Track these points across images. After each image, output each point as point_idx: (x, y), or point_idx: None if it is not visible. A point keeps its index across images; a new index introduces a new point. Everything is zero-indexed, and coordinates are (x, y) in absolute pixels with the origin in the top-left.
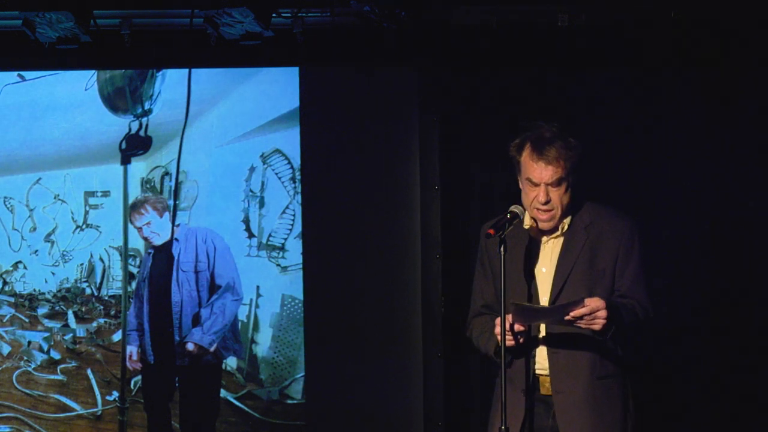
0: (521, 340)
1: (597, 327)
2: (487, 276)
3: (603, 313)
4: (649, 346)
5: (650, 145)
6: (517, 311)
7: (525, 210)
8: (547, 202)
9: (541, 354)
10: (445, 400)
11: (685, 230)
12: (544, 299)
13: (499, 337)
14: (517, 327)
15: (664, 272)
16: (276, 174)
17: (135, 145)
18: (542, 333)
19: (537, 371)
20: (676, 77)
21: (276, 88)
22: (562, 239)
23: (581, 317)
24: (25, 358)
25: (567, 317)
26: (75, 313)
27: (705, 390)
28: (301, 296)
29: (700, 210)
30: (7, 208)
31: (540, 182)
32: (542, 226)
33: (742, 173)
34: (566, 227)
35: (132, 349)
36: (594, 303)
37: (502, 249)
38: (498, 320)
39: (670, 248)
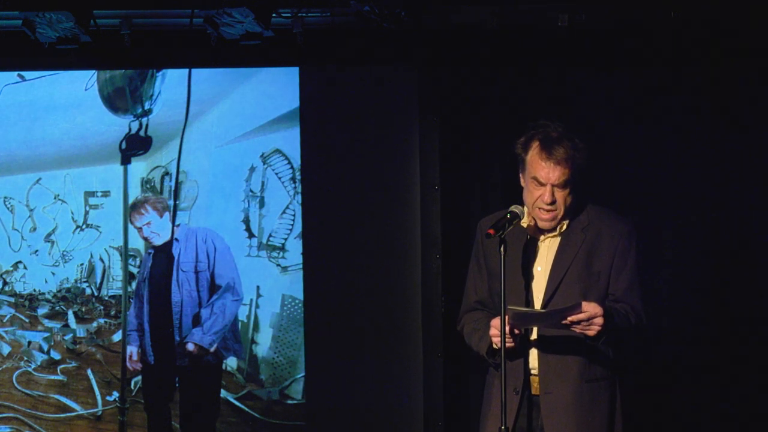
0: (516, 342)
1: (592, 333)
2: (482, 272)
3: (600, 320)
4: (641, 350)
5: (650, 144)
6: (514, 316)
7: (525, 209)
8: (552, 203)
9: (533, 354)
10: (445, 400)
11: (685, 230)
12: (538, 298)
13: (494, 339)
14: (515, 330)
15: (663, 273)
16: (276, 174)
17: (135, 145)
18: (534, 335)
19: (528, 371)
20: (676, 77)
21: (276, 88)
22: (558, 239)
23: (578, 322)
24: (25, 358)
25: (564, 321)
26: (75, 313)
27: (700, 393)
28: (301, 296)
29: (700, 210)
30: (7, 208)
31: (547, 182)
32: (542, 225)
33: (742, 173)
34: (564, 227)
35: (132, 350)
36: (592, 309)
37: (502, 249)
38: (493, 321)
39: (670, 248)
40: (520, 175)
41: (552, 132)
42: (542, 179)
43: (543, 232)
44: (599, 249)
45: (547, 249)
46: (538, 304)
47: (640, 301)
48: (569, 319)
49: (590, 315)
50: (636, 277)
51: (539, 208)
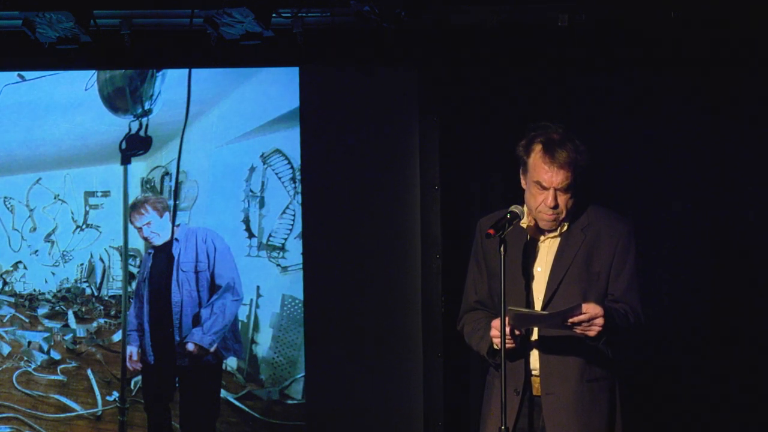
0: (517, 343)
1: (592, 333)
2: (482, 271)
3: (600, 321)
4: (641, 350)
5: (650, 145)
6: (515, 318)
7: (525, 210)
8: (555, 207)
9: (533, 355)
10: (445, 400)
11: (685, 230)
12: (538, 298)
13: (494, 339)
14: (515, 331)
15: (663, 273)
16: (276, 174)
17: (135, 145)
18: (534, 336)
19: (530, 371)
20: (676, 77)
21: (276, 88)
22: (558, 239)
23: (579, 323)
24: (25, 358)
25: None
26: (75, 313)
27: (699, 393)
28: (301, 296)
29: (700, 210)
30: (7, 208)
31: (550, 186)
32: (543, 225)
33: (743, 173)
34: (565, 228)
35: (132, 350)
36: (593, 310)
37: (502, 249)
38: (493, 322)
39: (670, 248)
40: (521, 177)
41: (553, 134)
42: (545, 183)
43: (543, 232)
44: (599, 249)
45: (547, 249)
46: (538, 305)
47: (639, 301)
48: (570, 320)
49: (591, 316)
50: (635, 277)
51: (541, 212)
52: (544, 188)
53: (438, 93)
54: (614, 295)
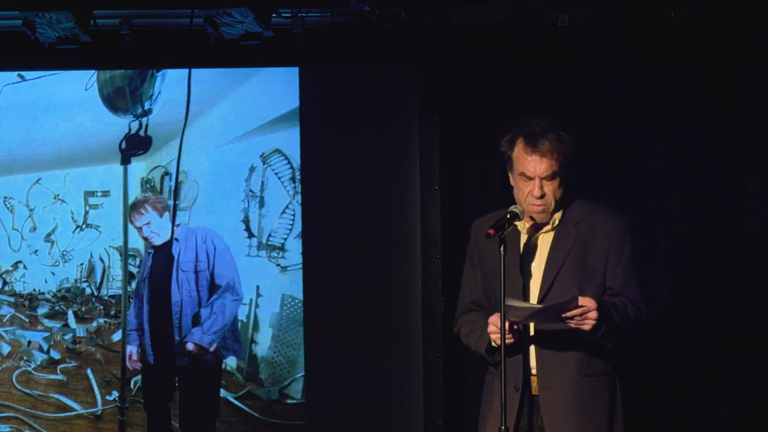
0: (515, 338)
1: (587, 327)
2: (476, 272)
3: (594, 314)
4: (642, 344)
5: (650, 144)
6: (511, 312)
7: (521, 208)
8: (541, 197)
9: (532, 354)
10: (445, 400)
11: (684, 230)
12: (534, 294)
13: (492, 336)
14: (513, 326)
15: (663, 272)
16: (276, 174)
17: (135, 145)
18: (531, 333)
19: (529, 370)
20: (676, 77)
21: (276, 88)
22: (552, 234)
23: (572, 317)
24: (25, 357)
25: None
26: (75, 313)
27: (701, 390)
28: (301, 296)
29: (700, 209)
30: (7, 208)
31: (534, 176)
32: (535, 217)
33: (742, 173)
34: (557, 222)
35: (132, 349)
36: (586, 303)
37: (502, 249)
38: (491, 319)
39: (670, 248)
40: (509, 174)
41: (536, 127)
42: (529, 173)
43: (539, 228)
44: (593, 244)
45: (542, 245)
46: (534, 300)
47: (639, 293)
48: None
49: (584, 309)
50: (632, 270)
51: (531, 204)
52: (529, 178)
53: (438, 93)
54: (613, 290)
